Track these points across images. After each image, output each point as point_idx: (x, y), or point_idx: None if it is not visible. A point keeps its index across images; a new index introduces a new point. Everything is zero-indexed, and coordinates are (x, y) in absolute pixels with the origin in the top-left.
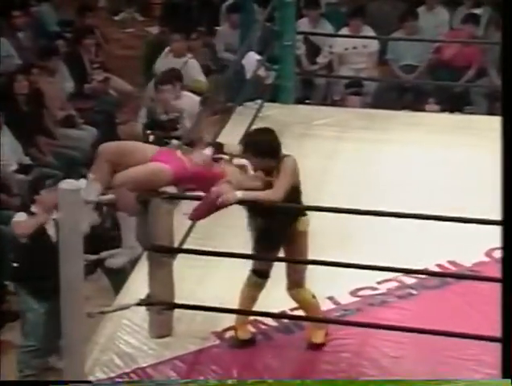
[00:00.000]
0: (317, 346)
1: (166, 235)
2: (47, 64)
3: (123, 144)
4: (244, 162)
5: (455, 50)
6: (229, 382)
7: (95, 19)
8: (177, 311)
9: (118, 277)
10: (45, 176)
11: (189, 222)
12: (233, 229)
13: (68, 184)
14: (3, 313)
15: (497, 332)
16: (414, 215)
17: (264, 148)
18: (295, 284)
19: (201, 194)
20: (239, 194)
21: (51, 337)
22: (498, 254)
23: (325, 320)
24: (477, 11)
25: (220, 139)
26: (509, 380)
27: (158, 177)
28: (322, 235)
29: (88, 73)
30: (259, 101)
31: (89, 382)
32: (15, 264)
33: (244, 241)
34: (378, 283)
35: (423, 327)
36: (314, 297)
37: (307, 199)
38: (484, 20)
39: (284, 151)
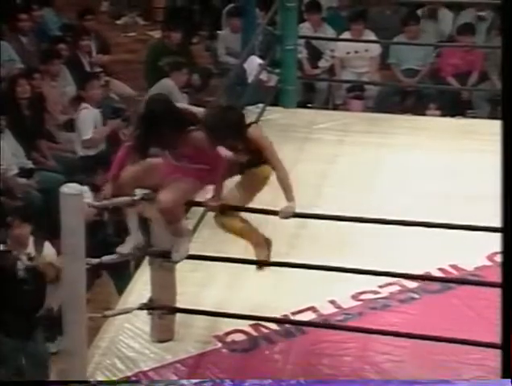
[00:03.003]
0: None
1: (168, 239)
2: (48, 68)
3: (136, 168)
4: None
5: (455, 64)
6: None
7: (97, 23)
8: (179, 315)
9: (120, 281)
10: None
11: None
12: None
13: (69, 188)
14: None
15: (499, 336)
16: (411, 222)
17: (226, 131)
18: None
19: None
20: None
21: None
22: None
23: (327, 326)
24: (480, 14)
25: None
26: (510, 380)
27: (195, 191)
28: (323, 238)
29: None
30: (261, 105)
31: (88, 382)
32: None
33: (245, 246)
34: (380, 287)
35: (424, 331)
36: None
37: (309, 203)
38: (486, 24)
39: (285, 155)
